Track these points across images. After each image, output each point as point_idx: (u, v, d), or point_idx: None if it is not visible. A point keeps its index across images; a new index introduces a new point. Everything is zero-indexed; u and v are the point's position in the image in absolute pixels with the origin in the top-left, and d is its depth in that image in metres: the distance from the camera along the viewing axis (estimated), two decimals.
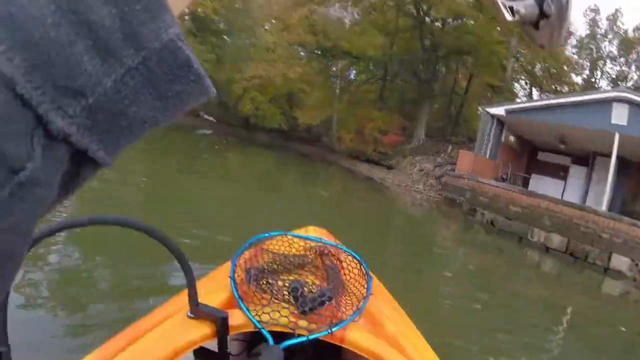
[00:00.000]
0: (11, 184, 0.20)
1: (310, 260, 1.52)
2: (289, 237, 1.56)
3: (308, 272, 1.47)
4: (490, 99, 28.78)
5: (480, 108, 19.52)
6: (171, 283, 4.16)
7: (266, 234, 1.53)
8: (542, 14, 0.50)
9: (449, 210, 15.57)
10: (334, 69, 33.11)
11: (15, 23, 0.19)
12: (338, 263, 1.47)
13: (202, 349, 1.16)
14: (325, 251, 1.51)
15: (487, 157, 18.26)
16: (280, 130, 39.91)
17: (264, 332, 1.11)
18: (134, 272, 4.32)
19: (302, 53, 33.35)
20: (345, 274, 1.44)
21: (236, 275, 1.30)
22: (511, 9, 0.50)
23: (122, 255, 4.49)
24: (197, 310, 1.09)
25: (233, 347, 1.40)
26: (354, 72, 33.72)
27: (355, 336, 1.15)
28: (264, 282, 1.30)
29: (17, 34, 0.19)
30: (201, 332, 1.08)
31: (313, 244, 1.55)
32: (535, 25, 0.51)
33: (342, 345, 1.15)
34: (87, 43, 0.21)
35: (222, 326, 1.09)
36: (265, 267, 1.38)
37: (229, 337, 1.14)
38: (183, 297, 1.12)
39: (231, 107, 44.38)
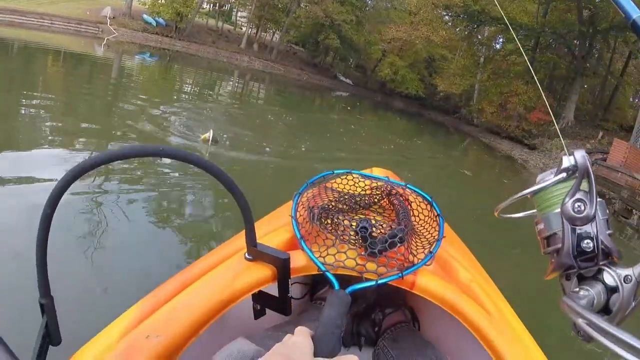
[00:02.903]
0: None
1: (377, 200, 1.41)
2: (355, 175, 1.48)
3: (375, 212, 1.37)
4: None
5: None
6: (230, 225, 3.93)
7: (329, 172, 1.46)
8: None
9: None
10: (479, 36, 30.60)
11: None
12: (407, 204, 1.35)
13: (261, 292, 1.04)
14: (393, 191, 1.39)
15: None
16: (417, 97, 38.65)
17: (329, 275, 1.01)
18: (190, 211, 4.19)
19: (446, 17, 31.33)
20: (415, 215, 1.32)
21: (298, 214, 1.22)
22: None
23: (178, 193, 4.42)
24: (255, 252, 1.00)
25: (294, 291, 1.33)
26: (501, 40, 30.85)
27: (426, 281, 1.07)
28: (329, 222, 1.18)
29: None
30: (260, 275, 1.00)
31: (380, 183, 1.44)
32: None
33: (410, 291, 1.07)
34: None
35: (282, 268, 0.99)
36: (330, 206, 1.26)
37: (290, 281, 1.03)
38: (240, 238, 1.05)
39: (369, 70, 43.98)
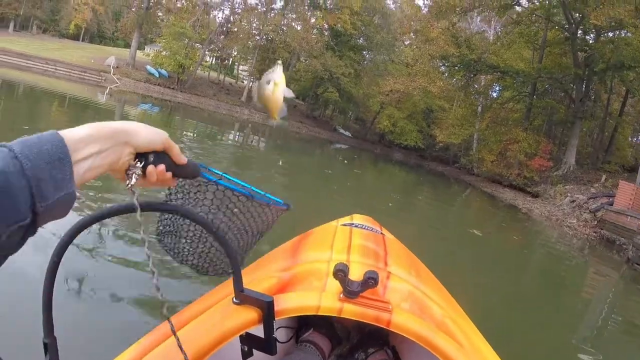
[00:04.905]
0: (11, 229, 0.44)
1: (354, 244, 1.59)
2: (335, 226, 1.66)
3: (353, 255, 1.53)
4: None
5: None
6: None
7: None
8: None
9: (607, 253, 13.13)
10: (476, 85, 31.10)
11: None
12: (383, 247, 1.54)
13: (248, 335, 1.11)
14: (371, 236, 1.59)
15: None
16: (416, 148, 38.91)
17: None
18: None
19: (442, 68, 31.97)
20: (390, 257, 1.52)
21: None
22: None
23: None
24: (242, 296, 1.07)
25: (280, 334, 1.36)
26: (498, 88, 31.33)
27: (402, 320, 1.14)
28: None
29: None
30: (246, 317, 1.06)
31: (357, 230, 1.64)
32: None
33: (389, 330, 1.14)
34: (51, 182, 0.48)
35: (268, 310, 1.06)
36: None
37: (275, 323, 1.09)
38: (228, 284, 1.13)
39: (368, 122, 44.55)
